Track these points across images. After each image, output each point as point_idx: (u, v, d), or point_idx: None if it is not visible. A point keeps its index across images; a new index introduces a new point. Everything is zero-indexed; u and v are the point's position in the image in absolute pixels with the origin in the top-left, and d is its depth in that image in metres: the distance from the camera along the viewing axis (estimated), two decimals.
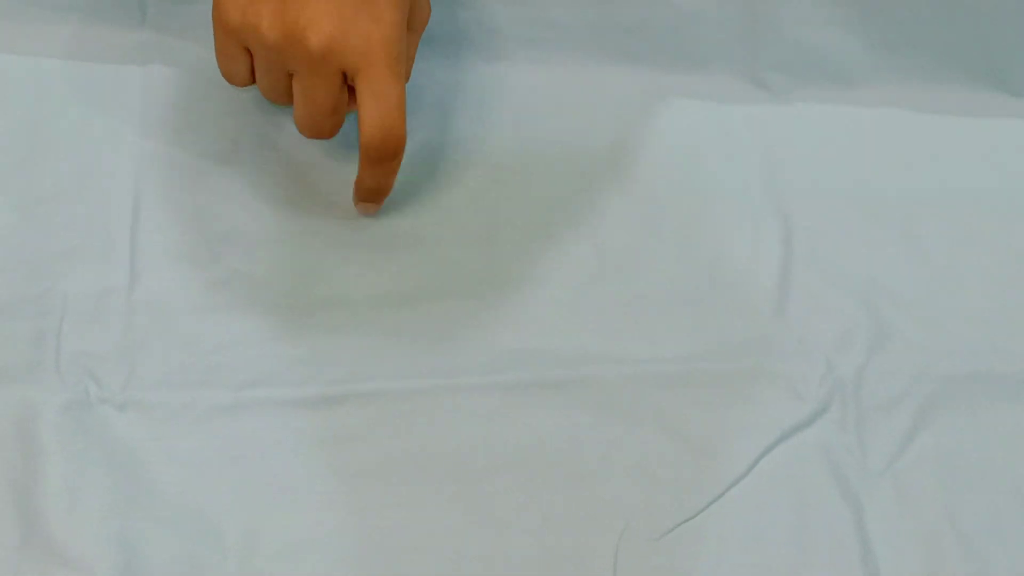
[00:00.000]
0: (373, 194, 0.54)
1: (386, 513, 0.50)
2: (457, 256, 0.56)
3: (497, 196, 0.58)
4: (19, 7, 0.60)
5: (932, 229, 0.57)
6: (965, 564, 0.49)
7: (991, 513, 0.50)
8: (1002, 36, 0.60)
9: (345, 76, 0.50)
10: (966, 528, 0.49)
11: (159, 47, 0.59)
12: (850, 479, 0.50)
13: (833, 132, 0.60)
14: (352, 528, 0.50)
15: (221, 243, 0.55)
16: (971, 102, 0.61)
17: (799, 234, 0.57)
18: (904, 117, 0.61)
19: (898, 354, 0.53)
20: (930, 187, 0.59)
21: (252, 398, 0.51)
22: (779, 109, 0.61)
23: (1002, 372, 0.53)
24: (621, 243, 0.57)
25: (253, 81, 0.53)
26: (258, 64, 0.51)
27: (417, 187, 0.58)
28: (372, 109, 0.50)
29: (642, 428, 0.51)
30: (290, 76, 0.51)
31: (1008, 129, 0.60)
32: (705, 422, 0.52)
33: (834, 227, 0.57)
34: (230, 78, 0.53)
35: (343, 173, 0.58)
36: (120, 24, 0.60)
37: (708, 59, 0.61)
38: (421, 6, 0.53)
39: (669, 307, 0.55)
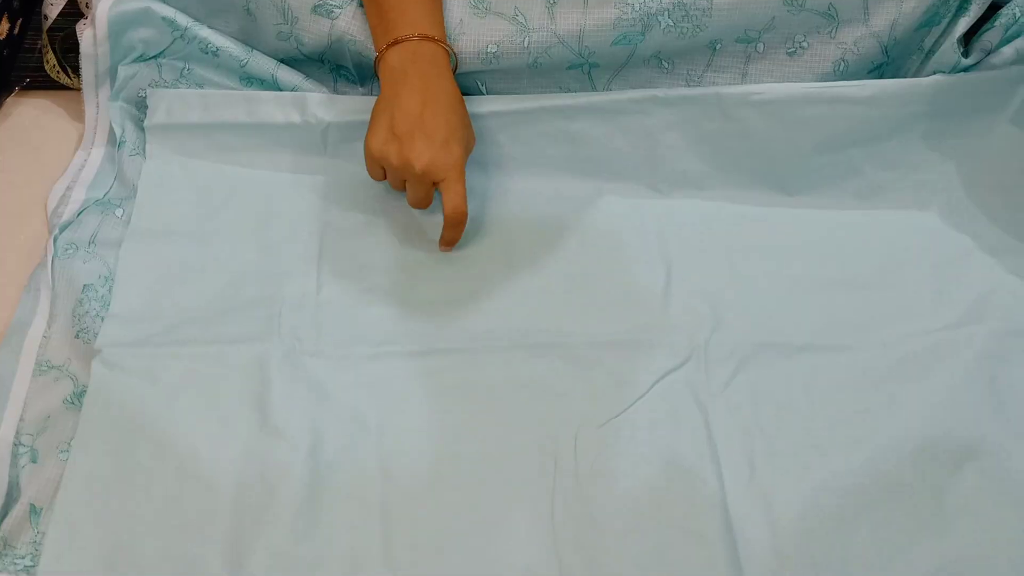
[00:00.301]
0: (449, 243, 0.74)
1: (450, 414, 0.68)
2: (491, 276, 0.74)
3: (508, 249, 0.76)
4: (251, 143, 0.79)
5: (748, 266, 0.76)
6: (764, 444, 0.67)
7: (776, 416, 0.68)
8: (781, 162, 0.79)
9: (434, 183, 0.70)
10: (763, 425, 0.68)
11: (334, 166, 0.79)
12: (701, 397, 0.69)
13: (694, 215, 0.79)
14: (433, 419, 0.68)
15: (366, 270, 0.75)
16: (765, 198, 0.80)
17: (675, 271, 0.75)
18: (732, 207, 0.79)
19: (727, 333, 0.72)
20: (747, 245, 0.77)
21: (383, 351, 0.70)
22: (665, 202, 0.79)
23: (781, 342, 0.71)
24: (580, 272, 0.75)
25: (385, 178, 0.72)
26: (388, 175, 0.72)
27: (464, 244, 0.76)
28: (449, 200, 0.70)
29: (591, 370, 0.69)
30: (404, 181, 0.71)
31: (784, 214, 0.79)
32: (625, 366, 0.70)
33: (694, 267, 0.76)
34: (374, 178, 0.73)
35: (429, 233, 0.77)
36: (311, 152, 0.80)
37: (627, 174, 0.80)
38: (470, 140, 0.72)
39: (606, 306, 0.73)
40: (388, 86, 0.71)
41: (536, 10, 0.75)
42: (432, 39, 0.71)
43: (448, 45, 0.73)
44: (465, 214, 0.70)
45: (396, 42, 0.71)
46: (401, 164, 0.68)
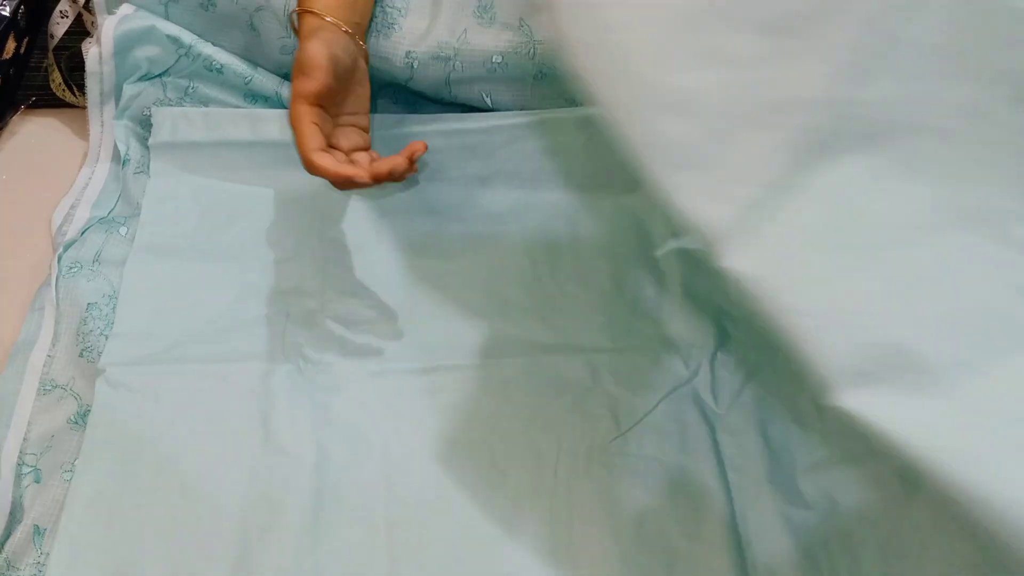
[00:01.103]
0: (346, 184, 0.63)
1: (454, 430, 0.67)
2: (495, 291, 0.74)
3: (512, 263, 0.75)
4: (255, 160, 0.78)
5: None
6: (772, 459, 0.67)
7: (785, 430, 0.68)
8: None
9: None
10: (768, 432, 0.67)
11: (327, 193, 0.78)
12: (707, 411, 0.69)
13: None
14: (437, 436, 0.67)
15: (370, 287, 0.74)
16: None
17: (681, 284, 0.74)
18: None
19: (733, 347, 0.71)
20: None
21: (387, 368, 0.70)
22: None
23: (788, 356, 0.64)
24: (585, 286, 0.74)
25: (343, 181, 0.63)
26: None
27: (467, 258, 0.75)
28: None
29: (598, 384, 0.70)
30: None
31: None
32: (632, 382, 0.69)
33: (700, 280, 0.74)
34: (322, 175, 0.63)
35: (433, 249, 0.75)
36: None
37: (630, 186, 0.78)
38: (322, 77, 0.63)
39: (612, 320, 0.73)
40: None
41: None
42: (307, 11, 0.66)
43: (314, 10, 0.66)
44: (311, 164, 0.62)
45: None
46: None
